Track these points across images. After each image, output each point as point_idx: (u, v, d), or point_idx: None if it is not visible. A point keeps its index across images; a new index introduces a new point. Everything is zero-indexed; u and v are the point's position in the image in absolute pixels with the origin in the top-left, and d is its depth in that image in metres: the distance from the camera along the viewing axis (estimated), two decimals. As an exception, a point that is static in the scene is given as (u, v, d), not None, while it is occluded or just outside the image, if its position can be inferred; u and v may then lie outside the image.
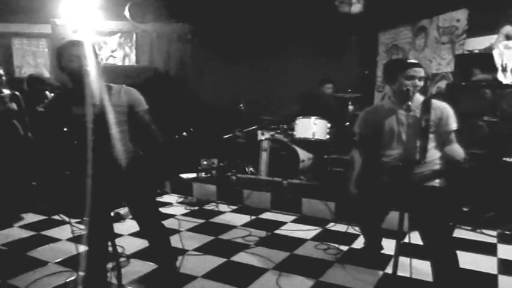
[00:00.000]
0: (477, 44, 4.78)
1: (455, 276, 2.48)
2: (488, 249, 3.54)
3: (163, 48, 7.26)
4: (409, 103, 2.48)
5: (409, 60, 2.71)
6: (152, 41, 7.24)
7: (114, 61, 7.25)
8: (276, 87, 6.50)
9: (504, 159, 3.84)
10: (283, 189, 4.97)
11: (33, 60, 7.11)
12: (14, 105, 4.25)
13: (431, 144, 2.65)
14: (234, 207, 4.86)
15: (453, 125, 2.64)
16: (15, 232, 3.96)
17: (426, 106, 2.58)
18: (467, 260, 3.18)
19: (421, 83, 2.61)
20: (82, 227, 3.68)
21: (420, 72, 2.60)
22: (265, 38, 6.68)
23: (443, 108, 2.65)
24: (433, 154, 2.66)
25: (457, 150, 2.62)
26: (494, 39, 4.44)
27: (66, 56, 2.29)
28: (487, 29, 4.70)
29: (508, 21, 4.38)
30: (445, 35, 5.25)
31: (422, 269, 2.86)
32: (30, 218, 4.38)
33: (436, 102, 2.65)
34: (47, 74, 6.95)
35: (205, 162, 5.67)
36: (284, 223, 4.27)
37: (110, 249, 2.38)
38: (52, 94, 5.10)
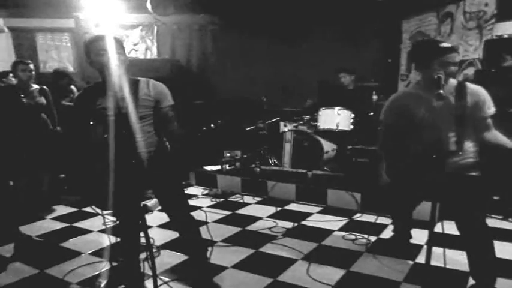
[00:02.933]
0: (507, 28, 4.60)
1: (491, 265, 2.43)
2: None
3: (184, 41, 7.30)
4: (441, 91, 2.28)
5: (443, 45, 2.44)
6: (174, 34, 7.28)
7: (136, 54, 7.30)
8: (298, 77, 6.44)
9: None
10: (307, 180, 4.95)
11: (57, 54, 7.23)
12: (42, 100, 4.33)
13: (467, 133, 2.50)
14: (259, 199, 4.87)
15: (491, 109, 2.46)
16: (48, 224, 4.07)
17: (461, 91, 2.44)
18: (500, 249, 3.10)
19: (455, 69, 2.44)
20: (113, 218, 3.74)
21: (455, 57, 2.41)
22: (286, 27, 6.64)
23: (478, 91, 2.47)
24: (468, 143, 2.52)
25: (500, 136, 2.48)
26: (526, 23, 4.29)
27: (95, 51, 2.31)
28: (518, 12, 4.55)
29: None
30: (472, 20, 5.09)
31: (456, 258, 2.83)
32: (61, 210, 4.49)
33: (470, 86, 2.49)
34: (70, 68, 7.07)
35: (228, 154, 5.68)
36: (310, 214, 4.26)
37: (142, 240, 2.41)
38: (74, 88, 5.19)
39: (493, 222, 3.85)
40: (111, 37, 2.33)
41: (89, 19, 6.91)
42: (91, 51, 2.33)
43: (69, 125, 3.78)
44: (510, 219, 3.89)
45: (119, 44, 2.37)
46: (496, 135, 2.50)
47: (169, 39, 7.31)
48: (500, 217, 3.93)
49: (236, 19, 6.83)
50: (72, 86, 5.22)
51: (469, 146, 2.53)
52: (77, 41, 6.97)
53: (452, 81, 2.52)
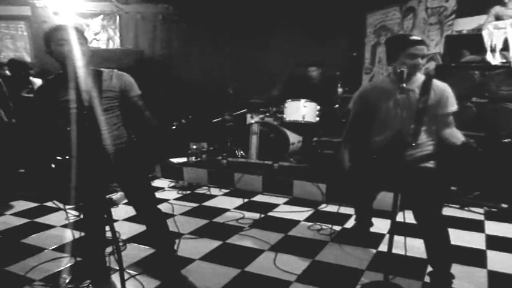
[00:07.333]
0: (466, 24, 4.79)
1: (446, 253, 2.55)
2: (476, 226, 3.66)
3: (148, 31, 7.13)
4: (403, 85, 2.34)
5: (411, 37, 2.51)
6: (137, 23, 7.10)
7: (98, 44, 7.09)
8: (265, 69, 6.45)
9: (501, 141, 3.87)
10: (274, 172, 4.99)
11: (13, 44, 6.92)
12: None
13: (424, 127, 2.57)
14: (226, 191, 4.87)
15: (453, 107, 2.54)
16: (8, 220, 3.91)
17: (426, 87, 2.47)
18: (456, 237, 3.28)
19: (423, 61, 2.50)
20: (76, 213, 3.65)
21: (423, 50, 2.46)
22: (253, 19, 6.62)
23: (443, 89, 2.54)
24: (426, 136, 2.61)
25: (457, 134, 2.54)
26: (483, 20, 4.45)
27: (55, 41, 2.23)
28: (476, 9, 4.71)
29: (497, 1, 4.39)
30: (434, 16, 5.26)
31: (416, 246, 2.93)
32: (21, 205, 4.32)
33: (436, 83, 2.55)
34: (27, 58, 6.77)
35: (194, 147, 5.64)
36: (276, 205, 4.31)
37: (107, 234, 2.37)
38: (35, 79, 4.99)
39: (450, 211, 4.02)
40: (72, 26, 2.26)
41: (47, 7, 6.63)
42: (51, 41, 2.25)
43: (28, 117, 3.64)
44: (466, 209, 4.07)
45: (80, 33, 2.30)
46: (452, 133, 2.55)
47: (133, 29, 7.14)
48: (457, 206, 4.12)
49: (200, 10, 6.74)
50: (31, 77, 5.02)
51: (427, 139, 2.61)
52: (34, 29, 6.68)
53: (420, 76, 2.57)
